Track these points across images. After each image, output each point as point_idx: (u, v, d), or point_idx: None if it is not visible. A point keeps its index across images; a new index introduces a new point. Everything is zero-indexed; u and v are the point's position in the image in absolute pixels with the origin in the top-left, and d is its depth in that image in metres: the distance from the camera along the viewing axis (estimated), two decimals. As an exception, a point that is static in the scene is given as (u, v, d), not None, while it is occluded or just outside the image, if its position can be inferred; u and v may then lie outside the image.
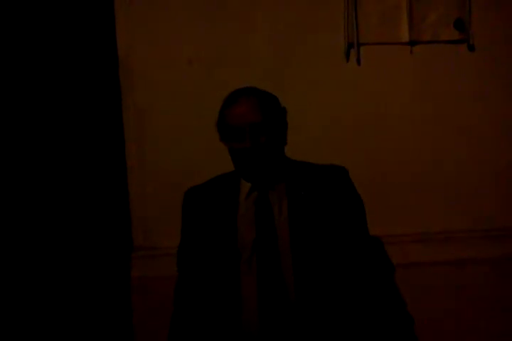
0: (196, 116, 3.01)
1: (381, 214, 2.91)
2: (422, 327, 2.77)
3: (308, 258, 1.99)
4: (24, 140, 3.04)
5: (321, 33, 3.00)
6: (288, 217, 2.02)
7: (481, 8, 3.04)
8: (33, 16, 3.02)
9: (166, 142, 3.03)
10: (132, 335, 3.01)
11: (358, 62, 3.02)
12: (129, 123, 3.02)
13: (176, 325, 2.12)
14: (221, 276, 2.04)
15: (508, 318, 3.02)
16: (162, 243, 3.03)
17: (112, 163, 3.08)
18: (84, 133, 3.07)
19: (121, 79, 3.01)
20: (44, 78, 3.05)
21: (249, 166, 2.04)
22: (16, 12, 3.02)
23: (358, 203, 2.12)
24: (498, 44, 3.05)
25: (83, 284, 3.05)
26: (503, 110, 3.07)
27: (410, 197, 3.06)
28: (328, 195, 2.06)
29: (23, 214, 3.04)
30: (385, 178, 3.04)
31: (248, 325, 1.99)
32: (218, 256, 2.05)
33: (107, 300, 3.07)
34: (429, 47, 3.04)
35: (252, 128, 2.00)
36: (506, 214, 3.07)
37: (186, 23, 2.99)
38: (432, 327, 2.94)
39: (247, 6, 3.00)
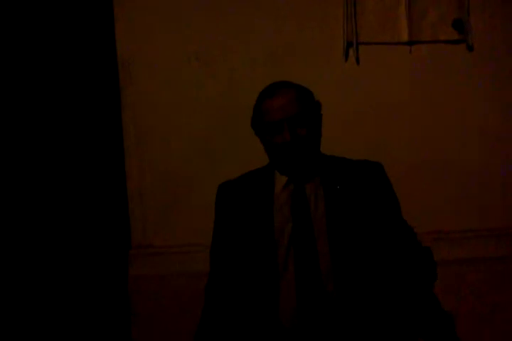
0: (196, 116, 3.02)
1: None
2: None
3: (346, 251, 1.97)
4: (23, 138, 3.04)
5: (320, 32, 3.00)
6: (325, 210, 2.01)
7: (480, 8, 3.04)
8: (31, 15, 3.02)
9: (165, 141, 3.03)
10: (130, 333, 3.00)
11: (357, 61, 3.02)
12: (127, 121, 3.02)
13: (210, 320, 2.08)
14: (258, 270, 2.01)
15: (508, 317, 3.03)
16: (160, 241, 3.04)
17: (110, 162, 3.08)
18: (83, 131, 3.07)
19: (120, 78, 3.01)
20: (43, 76, 3.05)
21: (289, 160, 2.02)
22: (15, 9, 3.02)
23: (394, 198, 2.11)
24: (496, 44, 3.05)
25: (81, 282, 3.05)
26: (503, 109, 3.06)
27: (409, 197, 3.05)
28: (364, 189, 2.04)
29: (21, 212, 3.04)
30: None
31: (286, 318, 1.97)
32: (255, 250, 2.02)
33: (105, 298, 3.07)
34: (428, 47, 3.04)
35: (291, 121, 1.98)
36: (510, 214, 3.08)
37: (186, 21, 2.99)
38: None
39: (246, 6, 3.00)
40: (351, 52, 3.01)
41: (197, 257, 2.96)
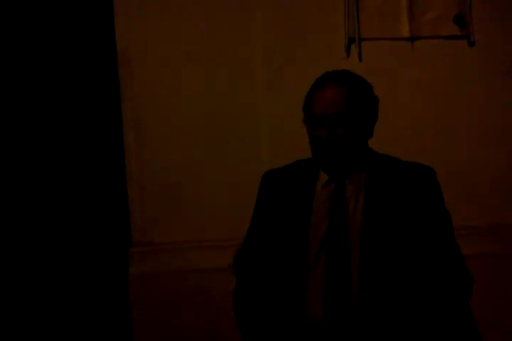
0: (196, 113, 3.01)
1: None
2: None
3: (376, 256, 1.90)
4: (22, 135, 3.03)
5: (322, 28, 2.99)
6: (362, 211, 1.94)
7: (481, 4, 3.03)
8: (30, 11, 3.01)
9: (165, 139, 3.02)
10: (131, 330, 3.00)
11: (360, 57, 3.01)
12: (127, 118, 3.01)
13: (247, 313, 2.04)
14: (289, 264, 1.97)
15: (509, 315, 3.03)
16: (160, 239, 3.03)
17: (110, 159, 3.07)
18: (83, 129, 3.06)
19: (120, 75, 3.00)
20: (42, 73, 3.03)
21: (325, 157, 1.96)
22: (14, 4, 3.00)
23: (442, 210, 1.99)
24: (498, 39, 3.04)
25: (81, 280, 3.05)
26: (504, 106, 3.06)
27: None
28: (410, 194, 1.94)
29: (21, 210, 3.03)
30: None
31: (312, 316, 1.93)
32: (288, 245, 1.98)
33: (105, 296, 3.06)
34: (429, 43, 3.03)
35: (331, 118, 1.90)
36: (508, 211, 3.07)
37: (186, 18, 2.98)
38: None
39: (246, 3, 2.98)
40: (353, 48, 3.00)
41: (197, 254, 2.97)
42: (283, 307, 1.97)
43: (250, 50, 2.99)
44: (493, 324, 2.98)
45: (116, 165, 3.03)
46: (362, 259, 1.90)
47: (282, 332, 1.97)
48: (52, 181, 3.05)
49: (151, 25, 2.97)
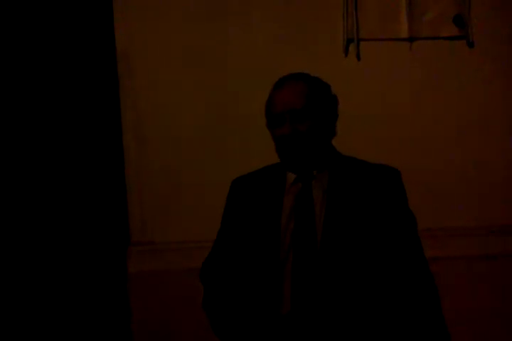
0: (195, 115, 3.02)
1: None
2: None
3: (336, 254, 1.95)
4: (21, 133, 3.04)
5: (321, 28, 2.99)
6: (325, 210, 1.98)
7: (481, 5, 3.03)
8: (29, 9, 3.01)
9: (164, 139, 3.03)
10: (129, 330, 3.00)
11: (358, 57, 3.01)
12: (127, 117, 3.02)
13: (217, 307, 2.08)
14: (259, 267, 2.01)
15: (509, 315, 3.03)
16: (159, 238, 3.03)
17: (110, 159, 3.07)
18: (82, 127, 3.06)
19: (119, 73, 3.01)
20: (41, 71, 3.04)
21: (288, 154, 2.00)
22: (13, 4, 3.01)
23: (405, 210, 2.03)
24: (497, 40, 3.04)
25: (80, 279, 3.05)
26: (503, 106, 3.06)
27: (409, 195, 3.05)
28: (373, 195, 1.98)
29: (20, 208, 3.04)
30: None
31: (282, 310, 1.97)
32: (259, 246, 2.02)
33: (104, 295, 3.06)
34: (429, 44, 3.03)
35: (292, 115, 1.95)
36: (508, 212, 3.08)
37: (186, 16, 2.99)
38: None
39: (246, 3, 2.99)
40: (351, 48, 3.00)
41: (196, 254, 2.96)
42: (255, 304, 2.00)
43: (250, 49, 2.99)
44: (494, 324, 3.00)
45: (115, 164, 3.04)
46: (323, 256, 1.94)
47: (256, 328, 1.99)
48: (52, 181, 3.05)
49: (151, 26, 2.98)
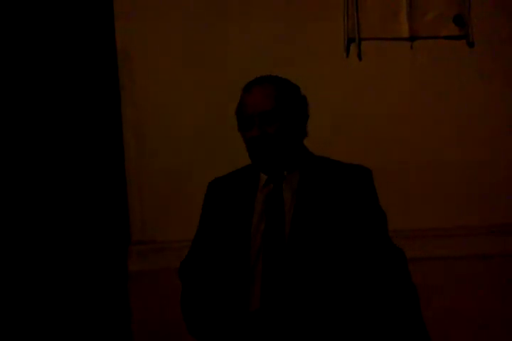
0: (195, 114, 3.02)
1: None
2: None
3: (303, 254, 1.99)
4: (22, 133, 3.04)
5: (322, 28, 2.99)
6: (293, 209, 2.02)
7: (481, 4, 3.03)
8: (30, 10, 3.02)
9: (164, 138, 3.03)
10: (130, 329, 3.00)
11: (359, 57, 3.01)
12: (127, 117, 3.02)
13: (192, 306, 2.14)
14: (232, 266, 2.06)
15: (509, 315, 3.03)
16: (160, 237, 3.04)
17: (110, 158, 3.08)
18: (83, 127, 3.07)
19: (120, 74, 3.01)
20: (42, 72, 3.04)
21: (258, 156, 2.04)
22: (14, 5, 3.01)
23: (375, 208, 2.06)
24: (497, 40, 3.04)
25: (80, 278, 3.05)
26: (503, 106, 3.06)
27: (408, 194, 3.06)
28: (343, 194, 2.02)
29: (21, 208, 3.04)
30: (383, 175, 3.02)
31: (253, 307, 2.02)
32: (232, 246, 2.07)
33: (105, 294, 3.07)
34: (429, 43, 3.03)
35: (261, 117, 1.99)
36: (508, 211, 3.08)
37: (187, 18, 2.99)
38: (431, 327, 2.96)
39: (247, 3, 3.00)
40: (352, 48, 3.01)
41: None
42: (226, 302, 2.05)
43: (250, 49, 3.00)
44: (496, 323, 3.01)
45: (115, 163, 3.04)
46: (290, 255, 1.98)
47: (225, 325, 2.04)
48: (53, 180, 3.05)
49: (151, 25, 2.98)
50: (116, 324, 3.06)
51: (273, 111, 1.99)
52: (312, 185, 2.04)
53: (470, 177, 3.06)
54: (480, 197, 3.05)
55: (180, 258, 2.97)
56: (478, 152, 3.06)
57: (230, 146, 3.01)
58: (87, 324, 3.05)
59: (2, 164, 3.03)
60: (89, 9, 3.03)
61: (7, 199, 3.04)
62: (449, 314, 2.99)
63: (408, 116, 3.04)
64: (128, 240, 3.05)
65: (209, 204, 2.20)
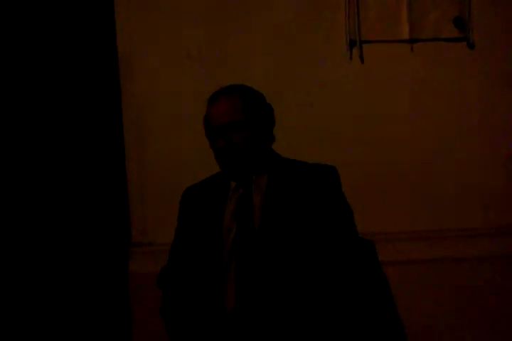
0: (197, 115, 3.01)
1: (379, 211, 2.93)
2: (420, 326, 2.81)
3: (272, 254, 2.05)
4: (24, 136, 3.05)
5: (322, 30, 3.00)
6: (260, 210, 2.08)
7: (481, 6, 3.04)
8: (31, 12, 3.03)
9: (165, 139, 3.03)
10: (130, 331, 3.00)
11: (361, 59, 3.02)
12: (128, 119, 3.02)
13: (171, 312, 2.24)
14: (206, 268, 2.13)
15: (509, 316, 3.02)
16: (160, 239, 3.03)
17: (111, 160, 3.08)
18: (84, 129, 3.07)
19: (121, 76, 3.01)
20: (43, 74, 3.05)
21: (225, 165, 2.12)
22: (15, 6, 3.02)
23: (341, 205, 2.13)
24: (497, 42, 3.05)
25: (81, 280, 3.05)
26: (503, 108, 3.06)
27: (409, 195, 3.06)
28: (309, 193, 2.08)
29: (22, 209, 3.05)
30: (386, 176, 3.04)
31: (227, 306, 2.08)
32: (205, 250, 2.14)
33: (105, 296, 3.07)
34: (429, 45, 3.04)
35: (225, 128, 2.05)
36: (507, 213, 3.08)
37: (187, 19, 3.00)
38: (432, 327, 2.95)
39: (247, 4, 3.00)
40: (354, 50, 3.01)
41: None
42: (204, 303, 2.12)
43: (250, 51, 3.00)
44: (497, 323, 3.00)
45: (116, 165, 3.05)
46: (260, 256, 2.05)
47: (202, 327, 2.11)
48: (53, 181, 3.06)
49: (152, 26, 2.99)
50: (116, 325, 3.06)
51: (238, 121, 2.05)
52: (280, 186, 2.10)
53: (471, 178, 3.06)
54: (481, 198, 3.06)
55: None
56: (477, 152, 3.05)
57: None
58: (87, 325, 3.05)
59: (4, 165, 3.03)
60: (91, 13, 3.04)
61: (8, 200, 3.04)
62: (448, 314, 2.99)
63: (408, 117, 3.04)
64: (128, 242, 3.05)
65: (183, 211, 2.27)
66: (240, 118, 2.04)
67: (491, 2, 3.05)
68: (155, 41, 3.01)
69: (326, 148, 2.93)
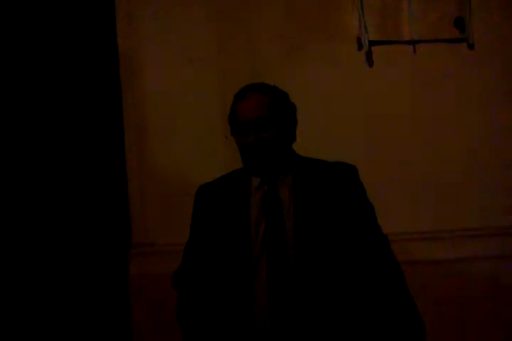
0: (197, 115, 3.02)
1: (384, 211, 2.93)
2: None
3: (311, 252, 2.02)
4: (24, 136, 3.05)
5: (327, 30, 3.02)
6: (293, 210, 2.05)
7: (481, 7, 3.05)
8: (31, 12, 3.03)
9: (165, 141, 3.04)
10: (131, 331, 3.00)
11: (368, 60, 3.03)
12: (128, 120, 3.03)
13: (189, 319, 2.13)
14: (233, 271, 2.06)
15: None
16: (161, 240, 3.04)
17: (111, 160, 3.08)
18: (84, 130, 3.07)
19: (121, 77, 3.02)
20: (44, 74, 3.05)
21: (254, 161, 2.08)
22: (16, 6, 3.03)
23: (365, 202, 2.13)
24: (497, 42, 3.06)
25: (81, 281, 3.05)
26: (503, 108, 3.06)
27: (409, 195, 3.06)
28: (335, 191, 2.08)
29: (23, 210, 3.05)
30: (388, 176, 3.04)
31: (260, 315, 2.02)
32: (231, 251, 2.07)
33: (106, 297, 3.06)
34: (430, 46, 3.04)
35: (256, 123, 2.04)
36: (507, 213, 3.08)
37: (188, 20, 3.00)
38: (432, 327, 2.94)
39: (248, 4, 3.01)
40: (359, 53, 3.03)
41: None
42: (231, 311, 2.04)
43: (252, 50, 3.01)
44: (496, 323, 3.00)
45: (117, 166, 3.05)
46: (298, 256, 2.01)
47: (231, 336, 2.04)
48: (54, 182, 3.05)
49: (153, 27, 2.99)
50: (116, 326, 3.06)
51: (268, 117, 2.05)
52: (306, 184, 2.09)
53: (472, 178, 3.06)
54: (482, 198, 3.06)
55: (180, 261, 3.00)
56: (477, 152, 3.06)
57: (231, 148, 3.01)
58: (88, 325, 3.04)
59: (4, 166, 3.04)
60: (92, 12, 3.04)
61: (8, 201, 3.04)
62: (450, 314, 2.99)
63: (408, 117, 3.04)
64: (129, 243, 3.05)
65: (199, 209, 2.21)
66: (268, 115, 2.05)
67: (491, 3, 3.05)
68: (155, 41, 3.01)
69: (327, 146, 2.93)
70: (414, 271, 2.89)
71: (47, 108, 3.05)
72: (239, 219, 2.08)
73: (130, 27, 2.98)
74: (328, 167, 2.14)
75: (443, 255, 2.99)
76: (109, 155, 3.07)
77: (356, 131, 3.03)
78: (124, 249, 3.05)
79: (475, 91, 3.06)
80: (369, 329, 2.03)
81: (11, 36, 3.03)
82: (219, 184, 2.20)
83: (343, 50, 3.03)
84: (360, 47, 3.02)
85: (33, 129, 3.05)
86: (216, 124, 3.00)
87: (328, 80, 3.01)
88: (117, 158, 3.05)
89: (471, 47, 3.04)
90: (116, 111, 3.02)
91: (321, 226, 2.03)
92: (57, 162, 3.05)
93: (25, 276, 3.04)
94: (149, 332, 2.99)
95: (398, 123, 3.05)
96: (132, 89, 3.00)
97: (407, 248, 2.95)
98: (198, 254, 2.17)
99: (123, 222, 3.06)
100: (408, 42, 3.03)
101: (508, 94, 3.07)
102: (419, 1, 3.02)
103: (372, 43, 3.02)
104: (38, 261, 3.04)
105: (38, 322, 3.04)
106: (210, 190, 2.20)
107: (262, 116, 2.03)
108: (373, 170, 2.99)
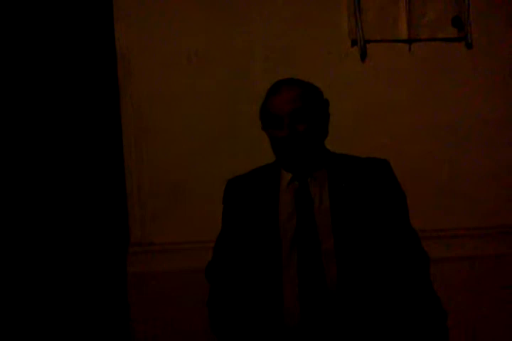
0: (196, 113, 3.02)
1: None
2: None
3: (350, 248, 2.01)
4: (21, 134, 3.05)
5: (323, 29, 3.01)
6: (330, 205, 2.05)
7: (479, 6, 3.04)
8: (29, 9, 3.02)
9: (164, 139, 3.03)
10: (129, 330, 3.00)
11: (362, 58, 3.02)
12: (127, 118, 3.02)
13: (222, 315, 2.14)
14: (262, 265, 2.06)
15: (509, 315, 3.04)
16: (159, 239, 3.04)
17: (109, 159, 3.08)
18: (82, 128, 3.07)
19: (119, 74, 3.01)
20: (41, 71, 3.05)
21: (288, 154, 2.07)
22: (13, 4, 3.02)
23: (401, 196, 2.13)
24: (495, 41, 3.05)
25: (80, 279, 3.05)
26: (501, 107, 3.07)
27: (409, 195, 3.05)
28: (370, 187, 2.07)
29: (20, 209, 3.04)
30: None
31: (289, 315, 2.02)
32: (260, 245, 2.08)
33: (104, 296, 3.07)
34: (427, 45, 3.04)
35: (291, 117, 2.03)
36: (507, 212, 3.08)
37: (186, 17, 2.99)
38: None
39: (247, 3, 3.00)
40: (353, 50, 3.01)
41: (195, 254, 2.96)
42: (260, 308, 2.05)
43: (250, 49, 3.00)
44: (496, 322, 3.01)
45: (115, 164, 3.05)
46: (337, 249, 2.01)
47: (260, 333, 2.04)
48: (51, 180, 3.06)
49: (151, 25, 2.98)
50: (115, 325, 3.06)
51: (302, 111, 2.04)
52: (340, 180, 2.08)
53: (472, 178, 3.06)
54: (483, 198, 3.07)
55: (178, 260, 3.00)
56: (477, 153, 3.06)
57: (230, 147, 3.03)
58: (86, 325, 3.05)
59: (1, 165, 3.03)
60: (89, 11, 3.04)
61: (6, 200, 3.04)
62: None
63: (406, 117, 3.05)
64: (127, 242, 3.05)
65: (230, 204, 2.21)
66: (304, 109, 2.04)
67: (489, 2, 3.05)
68: (153, 39, 3.00)
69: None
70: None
71: (44, 107, 3.05)
72: (267, 214, 2.08)
73: (128, 28, 2.97)
74: (362, 162, 2.13)
75: (443, 254, 3.00)
76: (107, 154, 3.07)
77: (355, 131, 3.03)
78: (122, 247, 3.04)
79: (473, 90, 3.06)
80: (398, 321, 2.03)
81: (9, 37, 3.02)
82: (249, 178, 2.20)
83: (339, 48, 3.02)
84: (355, 45, 3.02)
85: (32, 129, 3.05)
86: (215, 123, 3.01)
87: (324, 79, 3.00)
88: (115, 157, 3.05)
89: (469, 46, 3.04)
90: (114, 111, 3.02)
91: (358, 222, 2.03)
92: (55, 161, 3.05)
93: (23, 275, 3.04)
94: (148, 330, 2.99)
95: (395, 122, 3.05)
96: (130, 89, 2.99)
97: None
98: (229, 248, 2.17)
99: (121, 220, 3.06)
100: (405, 41, 3.03)
101: (506, 93, 3.07)
102: (416, -1, 3.03)
103: (368, 42, 3.01)
104: (36, 259, 3.04)
105: (35, 320, 3.04)
106: (239, 184, 2.20)
107: (296, 109, 2.02)
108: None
